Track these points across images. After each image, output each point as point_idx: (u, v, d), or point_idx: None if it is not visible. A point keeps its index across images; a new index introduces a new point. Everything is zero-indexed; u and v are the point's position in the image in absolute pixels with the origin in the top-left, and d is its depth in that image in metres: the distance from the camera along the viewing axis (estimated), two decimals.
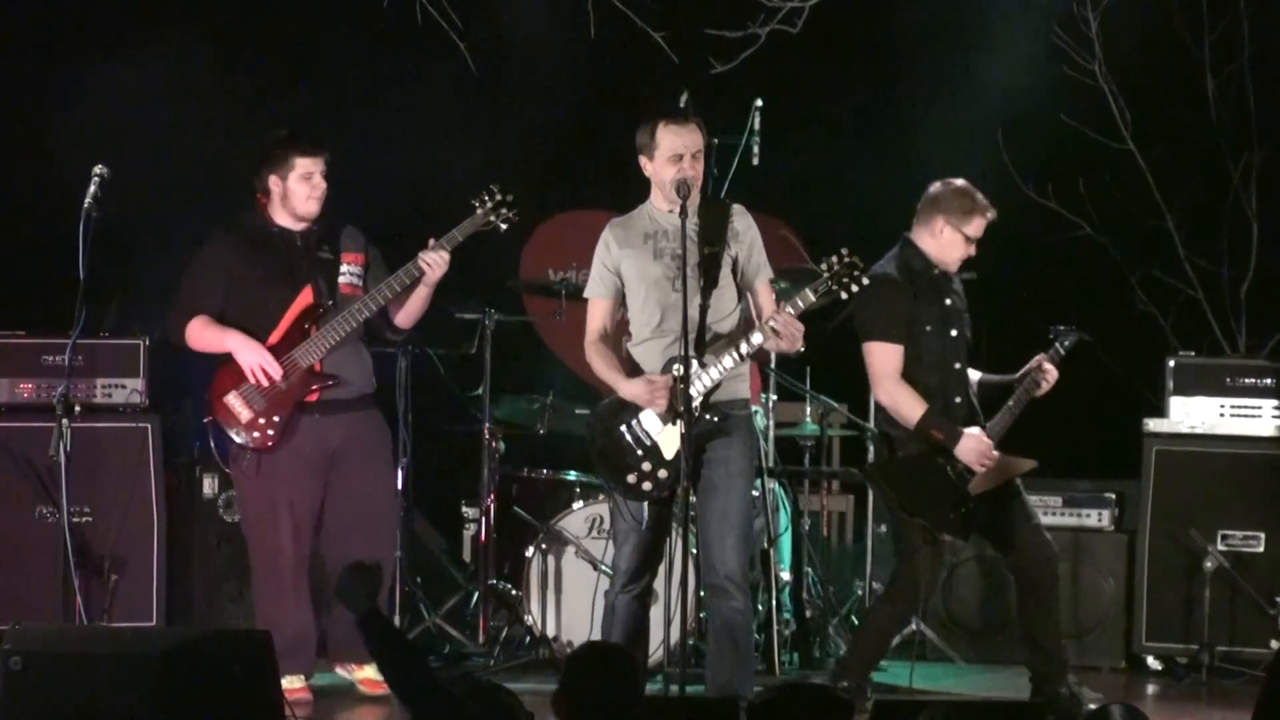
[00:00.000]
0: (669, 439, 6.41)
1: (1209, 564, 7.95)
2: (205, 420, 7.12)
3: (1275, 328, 8.97)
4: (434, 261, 6.96)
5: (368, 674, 7.17)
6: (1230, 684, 7.81)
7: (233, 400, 7.02)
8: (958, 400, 6.99)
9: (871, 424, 8.18)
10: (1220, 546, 8.04)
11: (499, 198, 7.01)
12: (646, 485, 6.46)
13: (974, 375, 7.19)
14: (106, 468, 7.91)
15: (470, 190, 7.12)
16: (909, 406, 6.90)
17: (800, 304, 6.41)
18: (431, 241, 7.01)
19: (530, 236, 9.66)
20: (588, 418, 6.64)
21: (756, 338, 6.40)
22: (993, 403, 7.11)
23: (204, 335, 7.07)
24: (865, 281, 6.48)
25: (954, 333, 7.02)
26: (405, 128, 9.13)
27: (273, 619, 6.96)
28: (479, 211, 7.00)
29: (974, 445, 6.88)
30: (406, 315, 7.21)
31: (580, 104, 8.90)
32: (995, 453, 6.90)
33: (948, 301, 7.03)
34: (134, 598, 7.90)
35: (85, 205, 6.81)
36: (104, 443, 7.91)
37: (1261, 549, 8.06)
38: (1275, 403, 8.15)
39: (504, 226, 7.06)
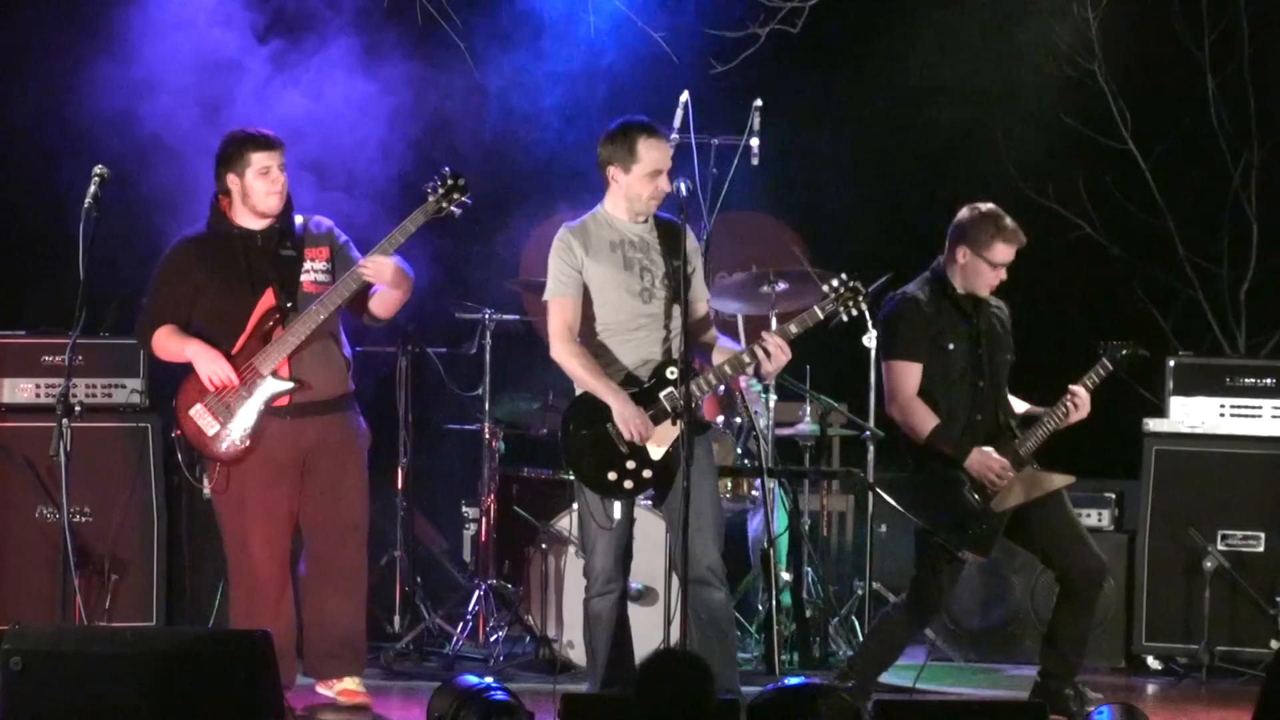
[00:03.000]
0: (656, 439, 6.39)
1: (1209, 564, 7.95)
2: (174, 435, 7.05)
3: (1275, 328, 8.98)
4: (374, 269, 6.82)
5: (347, 685, 7.10)
6: (1230, 684, 7.82)
7: (198, 413, 6.90)
8: (979, 419, 7.00)
9: (871, 423, 8.18)
10: (1220, 546, 8.05)
11: (450, 182, 6.88)
12: (628, 484, 6.44)
13: (1020, 406, 7.19)
14: (106, 468, 7.92)
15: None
16: (919, 421, 6.94)
17: (808, 322, 6.45)
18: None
19: (530, 237, 9.66)
20: (565, 411, 6.57)
21: (745, 358, 6.43)
22: None
23: (168, 346, 6.97)
24: (864, 308, 6.51)
25: (980, 351, 7.03)
26: (404, 127, 9.13)
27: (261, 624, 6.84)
28: (430, 199, 6.88)
29: (980, 460, 6.90)
30: (384, 308, 7.05)
31: (580, 103, 8.90)
32: (1004, 466, 6.89)
33: (973, 321, 7.03)
34: (134, 598, 7.91)
35: (85, 205, 6.79)
36: (104, 443, 7.91)
37: (1261, 549, 8.07)
38: (1275, 403, 8.15)
39: (457, 211, 6.91)
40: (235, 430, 6.88)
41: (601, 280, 6.53)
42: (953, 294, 7.04)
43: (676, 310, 6.49)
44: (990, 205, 7.05)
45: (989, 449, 6.92)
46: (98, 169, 6.86)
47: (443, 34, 8.43)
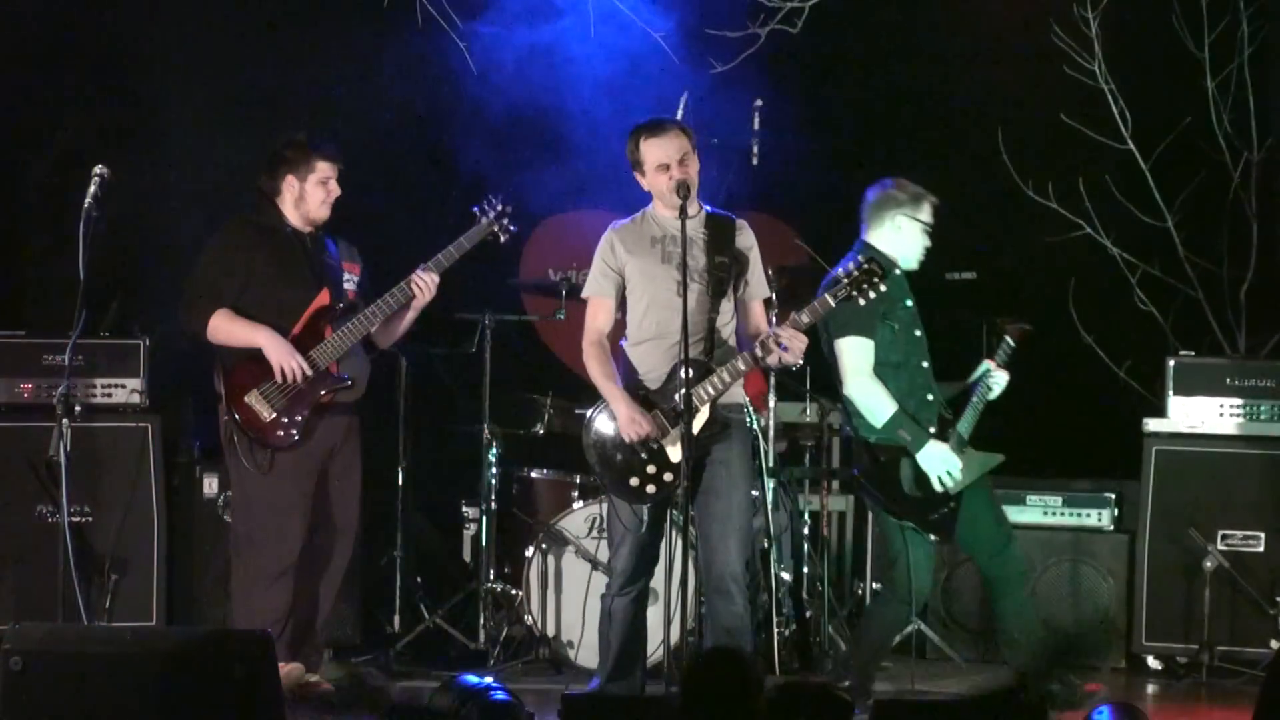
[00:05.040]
0: (675, 442, 6.41)
1: (1209, 564, 7.95)
2: (223, 418, 7.09)
3: (1275, 328, 8.97)
4: (424, 286, 7.03)
5: (310, 679, 7.20)
6: (1230, 684, 7.82)
7: (253, 399, 7.01)
8: (929, 398, 7.00)
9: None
10: (1220, 546, 8.05)
11: (499, 208, 7.10)
12: (650, 488, 6.47)
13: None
14: (106, 468, 7.92)
15: (469, 194, 7.13)
16: (879, 404, 6.92)
17: (819, 309, 6.46)
18: (420, 268, 7.06)
19: (530, 236, 9.66)
20: (586, 421, 6.63)
21: (759, 352, 6.42)
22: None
23: (233, 330, 7.04)
24: (883, 288, 6.50)
25: (918, 332, 7.04)
26: (400, 127, 9.13)
27: (266, 609, 6.98)
28: (483, 221, 7.08)
29: (937, 454, 6.90)
30: (388, 337, 7.29)
31: (580, 103, 8.90)
32: (957, 466, 6.91)
33: (909, 302, 7.04)
34: (134, 598, 7.91)
35: (85, 205, 6.81)
36: (104, 443, 7.92)
37: (1261, 549, 8.06)
38: (1275, 403, 8.15)
39: (504, 238, 7.16)
40: (291, 420, 7.01)
41: (639, 277, 6.59)
42: (891, 270, 6.96)
43: (723, 306, 6.53)
44: (896, 177, 7.12)
45: (945, 445, 6.91)
46: (98, 169, 6.88)
47: (441, 34, 8.42)
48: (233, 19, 8.81)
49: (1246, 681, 7.71)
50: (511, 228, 7.13)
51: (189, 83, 8.67)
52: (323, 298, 7.09)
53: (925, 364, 7.04)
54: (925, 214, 7.07)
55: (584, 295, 6.72)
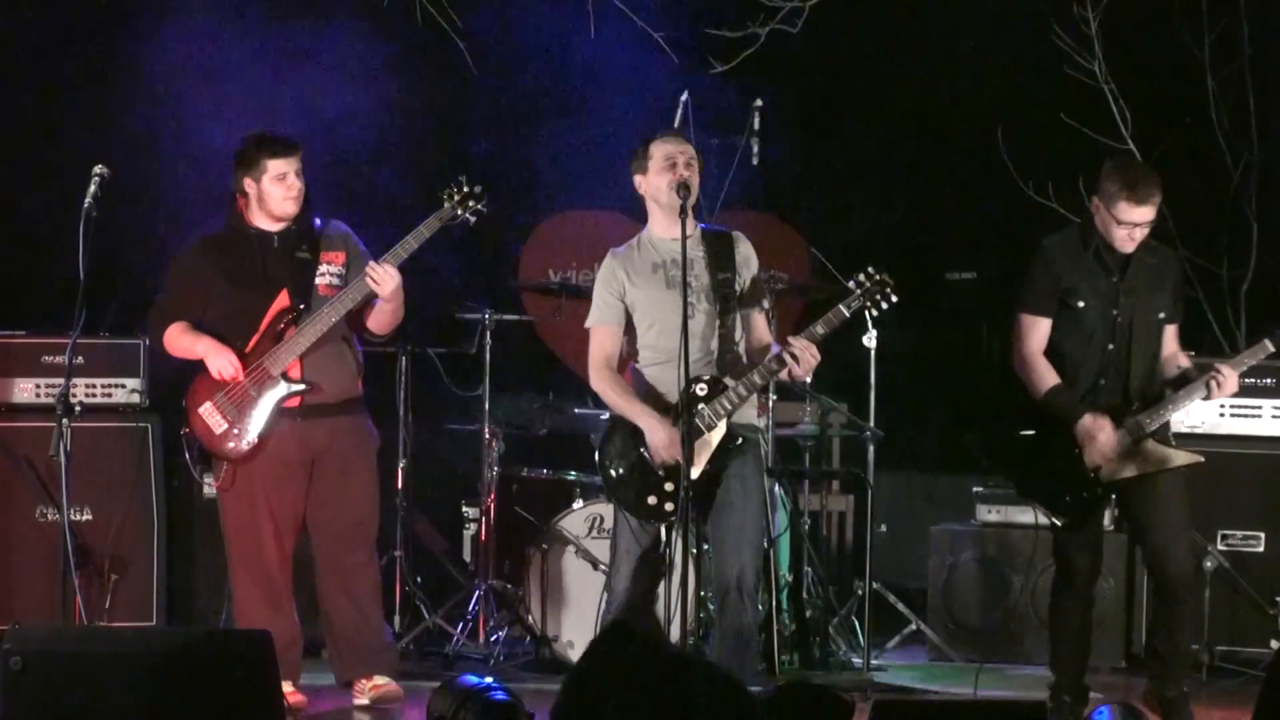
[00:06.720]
0: (692, 461, 6.36)
1: (1209, 564, 7.94)
2: (183, 433, 7.05)
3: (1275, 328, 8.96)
4: (379, 278, 6.84)
5: (377, 682, 7.17)
6: (1230, 684, 7.81)
7: (207, 411, 6.93)
8: (1102, 382, 6.80)
9: (871, 423, 8.16)
10: (1220, 546, 8.04)
11: (466, 190, 6.93)
12: (669, 506, 6.44)
13: (1183, 362, 6.91)
14: (106, 468, 7.92)
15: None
16: (1039, 378, 6.78)
17: (834, 320, 6.41)
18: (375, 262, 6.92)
19: (530, 236, 9.67)
20: (600, 442, 6.59)
21: (774, 365, 6.41)
22: None
23: (179, 342, 7.00)
24: (894, 299, 6.43)
25: (1116, 313, 6.78)
26: (400, 127, 9.13)
27: (257, 626, 6.86)
28: (445, 205, 6.92)
29: (1088, 428, 6.71)
30: (378, 325, 7.10)
31: (579, 103, 8.90)
32: (1110, 440, 6.69)
33: (1114, 279, 6.78)
34: (134, 598, 7.91)
35: (85, 205, 6.80)
36: (104, 443, 7.91)
37: (1261, 549, 8.06)
38: (1275, 403, 8.15)
39: (472, 219, 6.97)
40: (244, 430, 6.92)
41: (645, 303, 6.54)
42: (1097, 245, 6.79)
43: (731, 322, 6.50)
44: (1129, 158, 6.89)
45: (1103, 418, 6.72)
46: (98, 169, 6.87)
47: (441, 34, 8.43)
48: (233, 16, 8.81)
49: (1246, 681, 7.70)
50: (482, 208, 6.94)
51: (188, 81, 8.67)
52: (280, 300, 6.95)
53: (1112, 346, 6.77)
54: (1117, 210, 6.64)
55: (587, 325, 6.63)
